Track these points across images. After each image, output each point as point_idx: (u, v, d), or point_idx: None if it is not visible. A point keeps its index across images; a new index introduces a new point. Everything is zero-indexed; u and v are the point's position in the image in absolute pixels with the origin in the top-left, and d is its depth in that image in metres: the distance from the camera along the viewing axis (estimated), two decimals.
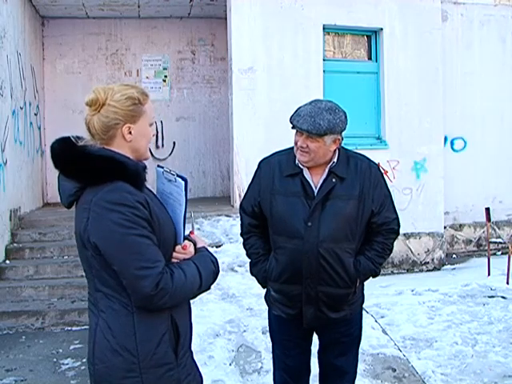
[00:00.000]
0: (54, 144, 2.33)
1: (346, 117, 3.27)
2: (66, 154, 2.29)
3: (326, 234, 3.24)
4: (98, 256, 2.23)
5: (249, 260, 3.61)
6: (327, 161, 3.30)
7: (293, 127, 3.26)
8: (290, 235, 3.29)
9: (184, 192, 2.33)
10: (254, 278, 3.63)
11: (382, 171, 3.52)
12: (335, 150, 3.31)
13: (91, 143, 2.32)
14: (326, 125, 3.13)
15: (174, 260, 2.36)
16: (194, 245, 2.44)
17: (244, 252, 3.65)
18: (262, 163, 3.51)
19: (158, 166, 2.51)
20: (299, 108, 3.27)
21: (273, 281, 3.42)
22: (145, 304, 2.21)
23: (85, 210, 2.24)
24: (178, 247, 2.38)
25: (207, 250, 2.48)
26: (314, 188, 3.29)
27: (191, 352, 2.51)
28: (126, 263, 2.17)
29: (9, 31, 8.55)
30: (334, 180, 3.27)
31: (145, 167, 2.37)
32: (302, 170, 3.31)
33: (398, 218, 3.46)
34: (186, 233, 2.47)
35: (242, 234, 3.62)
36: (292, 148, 3.42)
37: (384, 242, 3.40)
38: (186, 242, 2.42)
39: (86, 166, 2.24)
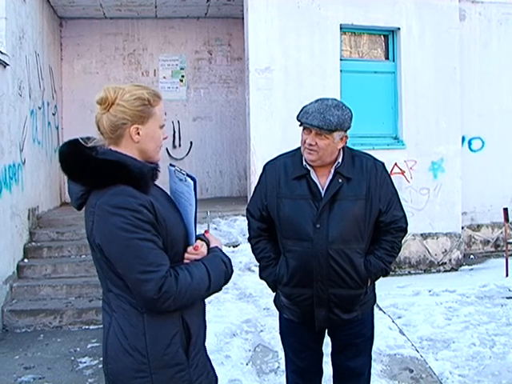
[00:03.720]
0: (63, 147, 2.34)
1: (352, 114, 3.26)
2: (72, 158, 2.29)
3: (335, 235, 3.22)
4: (105, 258, 2.24)
5: (259, 264, 3.57)
6: (333, 161, 3.28)
7: (301, 125, 3.25)
8: (299, 238, 3.27)
9: (193, 192, 2.32)
10: None
11: (388, 169, 3.50)
12: (340, 150, 3.30)
13: (101, 143, 2.32)
14: (335, 120, 3.13)
15: (185, 261, 2.35)
16: (208, 244, 2.43)
17: None
18: (267, 166, 3.49)
19: (170, 164, 2.49)
20: (305, 106, 3.26)
21: (283, 285, 3.40)
22: (149, 307, 2.21)
23: (90, 213, 2.25)
24: (189, 248, 2.37)
25: (220, 250, 2.46)
26: (320, 189, 3.27)
27: (205, 351, 2.50)
28: (128, 267, 2.17)
29: (27, 32, 8.61)
30: (340, 180, 3.26)
31: (153, 168, 2.36)
32: (308, 171, 3.29)
33: (405, 216, 3.43)
34: (201, 232, 2.46)
35: (250, 239, 3.58)
36: (297, 150, 3.42)
37: (393, 241, 3.38)
38: (198, 242, 2.40)
39: (90, 170, 2.24)
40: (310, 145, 3.20)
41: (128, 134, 2.31)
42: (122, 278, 2.23)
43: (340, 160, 3.30)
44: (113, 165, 2.23)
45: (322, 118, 3.12)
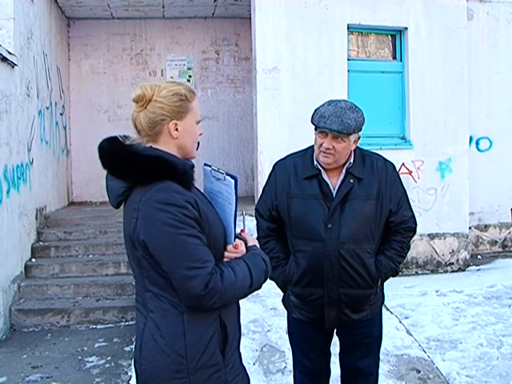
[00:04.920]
0: (103, 143, 2.33)
1: (364, 116, 3.27)
2: (114, 153, 2.29)
3: (347, 236, 3.22)
4: (148, 256, 2.22)
5: None
6: (345, 161, 3.29)
7: (316, 129, 3.23)
8: (311, 238, 3.26)
9: (234, 191, 2.31)
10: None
11: (397, 169, 3.51)
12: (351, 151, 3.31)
13: (138, 141, 2.32)
14: (353, 124, 3.13)
15: (225, 259, 2.35)
16: (245, 243, 2.43)
17: None
18: (277, 166, 3.49)
19: (205, 164, 2.50)
20: (318, 110, 3.24)
21: (293, 285, 3.39)
22: (195, 304, 2.20)
23: (134, 209, 2.24)
24: (229, 246, 2.37)
25: (258, 248, 2.46)
26: (332, 189, 3.27)
27: (239, 353, 2.49)
28: (175, 263, 2.16)
29: (35, 32, 8.64)
30: (351, 181, 3.26)
31: (193, 166, 2.37)
32: (319, 171, 3.29)
33: (414, 216, 3.45)
34: (237, 231, 2.46)
35: (258, 239, 3.52)
36: (306, 150, 3.43)
37: (402, 241, 3.39)
38: (238, 240, 2.41)
39: (134, 166, 2.23)
40: (328, 149, 3.19)
41: (167, 130, 2.32)
42: (164, 277, 2.22)
43: (351, 160, 3.30)
44: (158, 161, 2.23)
45: (341, 122, 3.11)
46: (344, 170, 3.28)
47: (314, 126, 3.26)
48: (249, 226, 8.30)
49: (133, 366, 2.45)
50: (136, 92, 2.32)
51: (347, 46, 9.30)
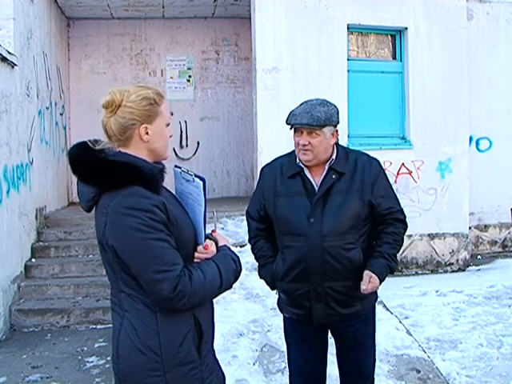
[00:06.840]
0: (72, 149, 2.36)
1: (337, 109, 3.37)
2: (83, 159, 2.31)
3: (329, 229, 3.26)
4: (118, 259, 2.25)
5: (258, 263, 3.65)
6: (327, 158, 3.35)
7: (291, 127, 3.34)
8: (295, 233, 3.32)
9: (203, 192, 2.33)
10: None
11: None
12: (333, 148, 3.38)
13: (108, 146, 2.34)
14: (323, 116, 3.23)
15: (195, 260, 2.37)
16: (216, 243, 2.45)
17: None
18: (265, 168, 3.59)
19: (176, 166, 2.51)
20: (292, 110, 3.35)
21: (280, 280, 3.44)
22: (165, 306, 2.23)
23: (103, 214, 2.26)
24: (199, 247, 2.39)
25: (229, 248, 2.48)
26: (315, 186, 3.34)
27: (213, 350, 2.53)
28: (143, 267, 2.19)
29: (35, 32, 8.64)
30: (333, 176, 3.32)
31: (162, 169, 2.38)
32: (302, 169, 3.36)
33: (402, 210, 3.47)
34: (208, 231, 2.47)
35: (249, 240, 3.68)
36: (293, 151, 3.49)
37: (394, 232, 3.39)
38: (208, 241, 2.42)
39: (101, 172, 2.26)
40: (304, 145, 3.28)
41: (137, 135, 2.33)
42: (134, 279, 2.25)
43: (334, 157, 3.37)
44: (124, 166, 2.25)
45: (310, 116, 3.22)
46: (326, 167, 3.35)
47: (289, 127, 3.37)
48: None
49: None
50: (105, 98, 2.35)
51: (347, 46, 9.30)
